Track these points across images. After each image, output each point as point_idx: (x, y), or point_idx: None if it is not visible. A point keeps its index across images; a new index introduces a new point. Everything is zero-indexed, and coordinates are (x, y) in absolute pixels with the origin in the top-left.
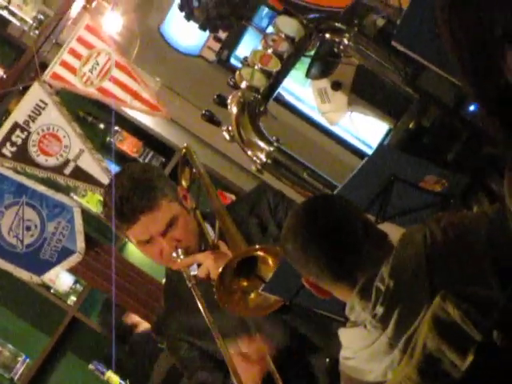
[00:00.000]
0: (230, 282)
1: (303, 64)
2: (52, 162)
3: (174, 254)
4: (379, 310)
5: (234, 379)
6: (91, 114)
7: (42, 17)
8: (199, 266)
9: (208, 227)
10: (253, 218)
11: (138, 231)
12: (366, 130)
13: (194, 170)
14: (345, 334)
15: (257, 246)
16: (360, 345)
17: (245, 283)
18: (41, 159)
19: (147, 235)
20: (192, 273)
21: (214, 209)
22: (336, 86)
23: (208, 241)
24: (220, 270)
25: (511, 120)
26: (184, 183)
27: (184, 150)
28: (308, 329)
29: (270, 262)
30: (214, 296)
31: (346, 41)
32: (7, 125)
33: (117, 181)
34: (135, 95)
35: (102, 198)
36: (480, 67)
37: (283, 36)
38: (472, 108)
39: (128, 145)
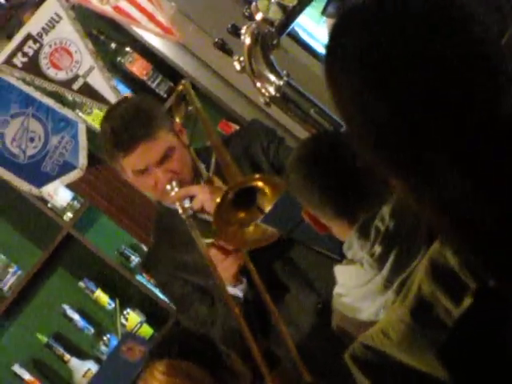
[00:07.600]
0: (228, 213)
1: (320, 2)
2: (61, 75)
3: (169, 187)
4: (377, 249)
5: (211, 268)
6: (104, 33)
7: None
8: (192, 200)
9: (201, 165)
10: (246, 159)
11: (135, 160)
12: None
13: (190, 108)
14: (340, 271)
15: (256, 176)
16: (355, 283)
17: (243, 215)
18: (51, 72)
19: (143, 164)
20: (186, 205)
21: (212, 143)
22: None
23: (202, 177)
24: (218, 199)
25: None
26: (178, 120)
27: (182, 86)
28: (304, 263)
29: (269, 193)
30: (207, 231)
31: None
32: (20, 35)
33: (116, 110)
34: (150, 17)
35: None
36: None
37: None
38: None
39: (138, 67)
